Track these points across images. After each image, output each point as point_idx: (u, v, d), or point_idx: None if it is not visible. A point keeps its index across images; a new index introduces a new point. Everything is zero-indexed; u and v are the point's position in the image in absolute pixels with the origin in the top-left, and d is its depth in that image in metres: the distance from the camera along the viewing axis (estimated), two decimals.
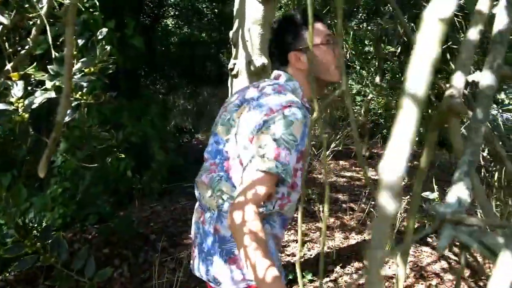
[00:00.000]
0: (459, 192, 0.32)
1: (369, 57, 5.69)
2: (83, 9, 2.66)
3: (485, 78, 0.38)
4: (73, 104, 1.19)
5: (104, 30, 1.58)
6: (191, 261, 1.33)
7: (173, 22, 11.06)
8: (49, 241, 1.31)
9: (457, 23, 3.39)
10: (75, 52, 1.36)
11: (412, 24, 3.83)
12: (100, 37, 1.61)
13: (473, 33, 0.44)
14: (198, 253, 1.24)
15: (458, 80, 0.44)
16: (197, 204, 1.33)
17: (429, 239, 3.38)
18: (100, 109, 3.68)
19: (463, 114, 0.44)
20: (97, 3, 2.63)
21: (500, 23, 0.41)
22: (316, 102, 0.49)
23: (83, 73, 1.29)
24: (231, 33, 2.08)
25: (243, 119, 1.16)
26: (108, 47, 1.49)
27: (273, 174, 1.03)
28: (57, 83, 1.17)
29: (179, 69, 9.82)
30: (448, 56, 3.34)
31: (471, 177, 0.33)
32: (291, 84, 1.22)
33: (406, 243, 0.56)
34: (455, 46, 3.37)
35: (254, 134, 1.10)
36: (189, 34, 10.92)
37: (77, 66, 1.31)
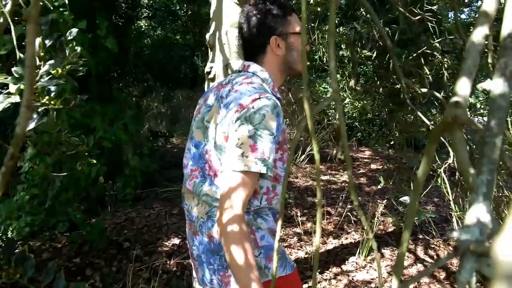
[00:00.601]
0: (479, 216, 0.28)
1: (345, 61, 5.73)
2: (51, 8, 2.54)
3: (497, 86, 0.35)
4: (40, 110, 1.11)
5: (74, 30, 1.50)
6: (193, 275, 1.28)
7: (146, 24, 10.89)
8: (14, 255, 1.22)
9: (430, 28, 3.44)
10: (42, 54, 1.28)
11: (387, 29, 3.87)
12: (69, 37, 1.53)
13: (479, 37, 0.41)
14: (199, 265, 1.19)
15: (464, 88, 0.40)
16: (186, 217, 1.28)
17: None
18: (71, 113, 3.54)
19: (469, 125, 0.40)
20: (66, 2, 2.52)
21: (509, 26, 0.38)
22: (308, 108, 0.45)
23: (50, 76, 1.21)
24: (207, 36, 2.03)
25: (216, 119, 1.13)
26: (79, 48, 1.42)
27: (254, 172, 1.01)
28: (22, 87, 1.08)
29: (153, 71, 9.65)
30: (422, 60, 3.39)
31: (489, 198, 0.30)
32: (261, 75, 1.19)
33: (399, 255, 0.53)
34: (429, 51, 3.42)
35: (228, 133, 1.07)
36: (163, 36, 10.79)
37: (44, 68, 1.23)
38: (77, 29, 1.52)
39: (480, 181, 0.31)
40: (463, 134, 0.40)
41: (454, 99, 0.39)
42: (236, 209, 0.97)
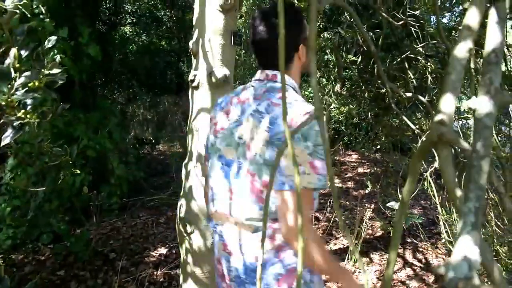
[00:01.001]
0: (467, 250, 0.26)
1: (330, 65, 5.75)
2: (29, 16, 2.48)
3: (482, 105, 0.33)
4: (15, 124, 1.07)
5: (53, 38, 1.46)
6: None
7: (130, 30, 10.81)
8: None
9: (413, 33, 3.47)
10: (17, 65, 1.24)
11: (371, 34, 3.89)
12: (48, 46, 1.49)
13: (462, 51, 0.39)
14: (238, 286, 1.14)
15: (448, 105, 0.38)
16: (216, 237, 1.22)
17: None
18: (53, 122, 3.47)
19: (455, 144, 0.39)
20: (43, 10, 2.46)
21: (493, 41, 0.36)
22: (287, 131, 0.43)
23: (26, 89, 1.17)
24: (191, 43, 2.00)
25: (257, 135, 1.07)
26: (58, 57, 1.38)
27: (316, 188, 1.03)
28: None
29: (138, 78, 9.56)
30: (406, 65, 3.41)
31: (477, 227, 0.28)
32: (291, 84, 1.17)
33: (387, 274, 0.51)
34: (412, 56, 3.44)
35: (281, 150, 1.02)
36: (148, 42, 10.71)
37: (20, 80, 1.19)
38: (56, 37, 1.48)
39: (467, 209, 0.29)
40: (449, 152, 0.39)
41: (439, 117, 0.38)
42: (309, 230, 1.02)
